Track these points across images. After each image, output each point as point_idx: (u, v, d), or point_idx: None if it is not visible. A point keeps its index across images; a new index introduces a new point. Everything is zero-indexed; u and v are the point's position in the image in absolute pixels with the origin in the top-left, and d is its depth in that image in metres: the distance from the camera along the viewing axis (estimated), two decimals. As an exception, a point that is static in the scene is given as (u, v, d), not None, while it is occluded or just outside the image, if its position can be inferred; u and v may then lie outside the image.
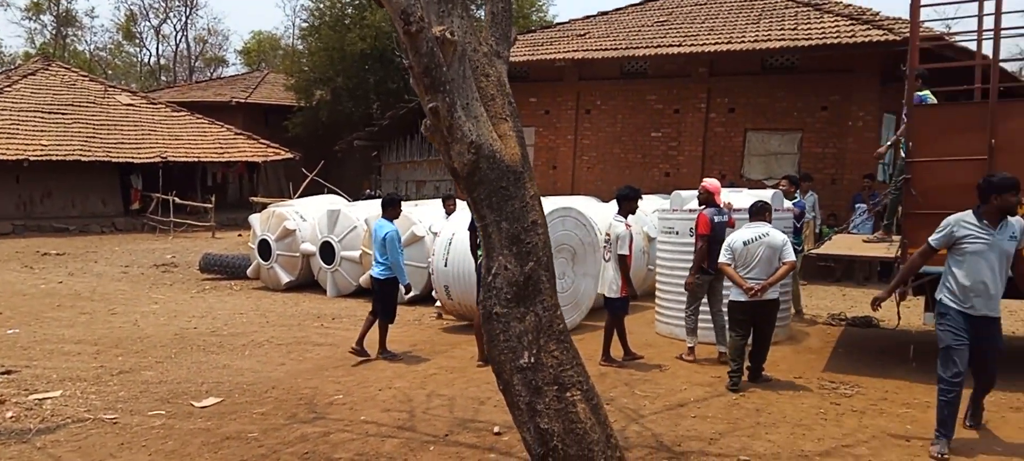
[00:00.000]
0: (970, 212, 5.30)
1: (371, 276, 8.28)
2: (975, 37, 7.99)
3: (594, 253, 9.39)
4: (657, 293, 9.29)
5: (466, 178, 3.88)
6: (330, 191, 20.72)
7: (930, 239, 5.44)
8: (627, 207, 7.71)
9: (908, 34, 7.35)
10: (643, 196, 9.04)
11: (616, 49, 16.74)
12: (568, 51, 17.44)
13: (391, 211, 8.23)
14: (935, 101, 8.13)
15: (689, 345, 7.92)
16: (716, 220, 7.75)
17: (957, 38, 10.27)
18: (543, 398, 3.92)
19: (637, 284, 9.35)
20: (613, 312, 7.72)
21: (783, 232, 8.86)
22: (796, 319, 9.88)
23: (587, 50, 17.18)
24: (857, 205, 13.14)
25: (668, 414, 6.19)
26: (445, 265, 9.39)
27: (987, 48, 7.32)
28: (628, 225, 7.62)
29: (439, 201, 12.72)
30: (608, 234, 7.73)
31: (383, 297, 8.11)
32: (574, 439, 3.93)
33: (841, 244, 9.37)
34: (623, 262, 7.54)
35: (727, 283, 7.31)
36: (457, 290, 9.27)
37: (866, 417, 6.16)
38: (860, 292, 12.75)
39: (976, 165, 6.76)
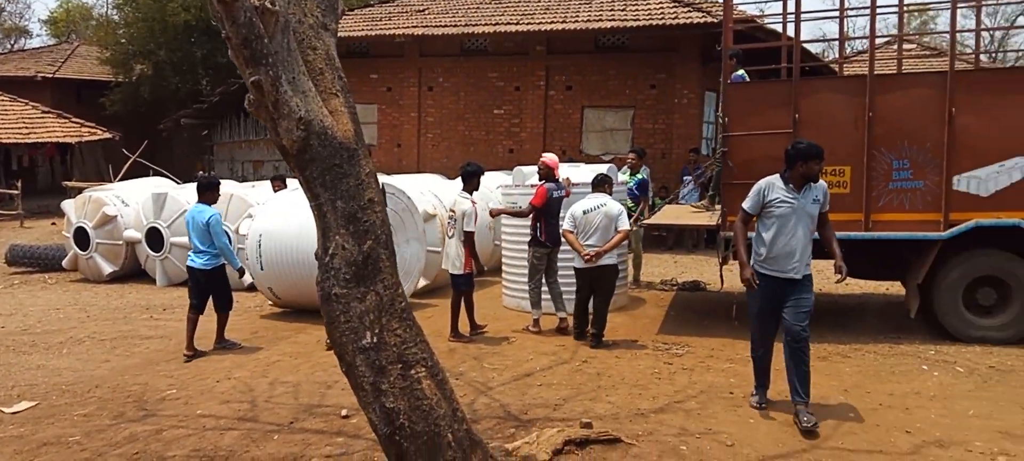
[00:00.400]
0: (777, 176, 5.70)
1: (192, 268, 7.56)
2: (783, 20, 8.70)
3: (411, 217, 9.39)
4: (503, 268, 9.48)
5: (296, 156, 3.75)
6: (156, 173, 19.34)
7: (744, 205, 5.82)
8: (472, 184, 7.79)
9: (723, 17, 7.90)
10: (485, 172, 9.15)
11: (456, 26, 16.76)
12: (408, 27, 17.25)
13: (209, 195, 7.67)
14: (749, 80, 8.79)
15: (533, 317, 8.16)
16: (554, 194, 8.01)
17: (767, 21, 11.13)
18: (387, 377, 3.89)
19: (484, 259, 9.50)
20: (458, 288, 7.80)
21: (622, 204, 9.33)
22: (633, 286, 10.42)
23: (427, 26, 17.07)
24: (685, 177, 14.01)
25: (515, 384, 6.36)
26: (261, 269, 8.97)
27: (793, 31, 7.98)
28: (474, 202, 7.70)
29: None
30: (453, 211, 7.76)
31: (214, 287, 7.58)
32: (420, 416, 3.94)
33: (670, 214, 9.97)
34: (469, 238, 7.62)
35: (568, 251, 7.61)
36: (283, 287, 8.94)
37: (695, 374, 6.64)
38: (689, 258, 13.65)
39: (783, 138, 7.40)
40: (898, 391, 6.15)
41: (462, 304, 7.86)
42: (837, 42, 10.00)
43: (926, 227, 7.30)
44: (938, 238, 7.26)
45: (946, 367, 6.75)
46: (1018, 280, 7.28)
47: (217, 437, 5.24)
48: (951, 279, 7.39)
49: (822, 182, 5.69)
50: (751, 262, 5.65)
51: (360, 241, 3.88)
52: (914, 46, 22.73)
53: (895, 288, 9.85)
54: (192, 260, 7.53)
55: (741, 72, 8.58)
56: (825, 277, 11.33)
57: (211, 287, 7.57)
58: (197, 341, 7.45)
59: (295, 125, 3.66)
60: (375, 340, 3.90)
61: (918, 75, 8.93)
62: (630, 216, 9.91)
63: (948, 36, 7.59)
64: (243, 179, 19.16)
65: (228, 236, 10.52)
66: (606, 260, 7.37)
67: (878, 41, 18.24)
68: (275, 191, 9.87)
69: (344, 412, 5.60)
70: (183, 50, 25.34)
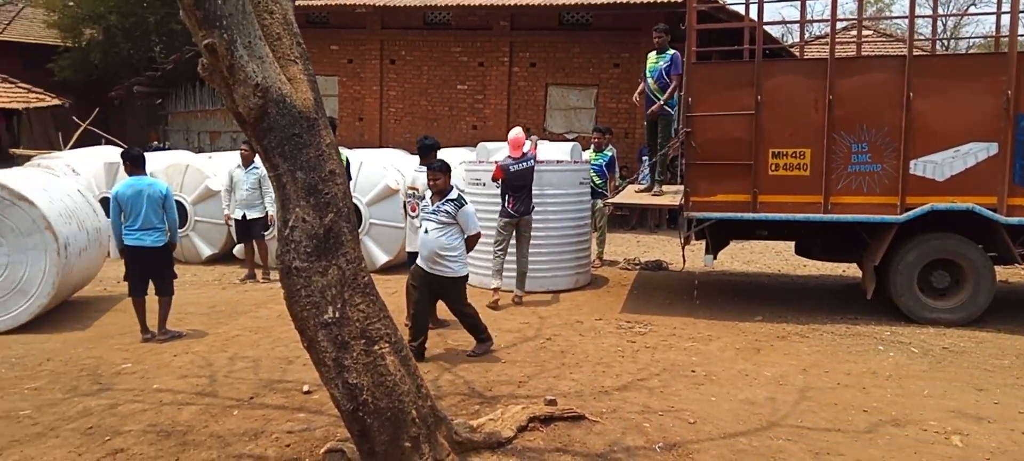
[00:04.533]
0: None
1: (140, 247, 6.86)
2: (745, 1, 8.72)
3: (18, 213, 7.50)
4: (466, 244, 9.42)
5: (253, 124, 3.62)
6: (109, 142, 18.77)
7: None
8: (429, 158, 7.68)
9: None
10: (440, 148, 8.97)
11: (419, -2, 16.52)
12: (371, -2, 16.95)
13: (143, 168, 7.10)
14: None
15: (493, 286, 8.12)
16: (512, 168, 8.00)
17: (729, 2, 11.18)
18: (350, 353, 3.83)
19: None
20: None
21: (585, 183, 9.32)
22: (597, 264, 10.45)
23: (390, -2, 16.80)
24: (643, 157, 14.05)
25: (479, 361, 6.34)
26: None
27: (755, 13, 8.02)
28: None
29: (234, 154, 11.97)
30: (413, 188, 7.61)
31: (160, 268, 6.96)
32: (384, 392, 3.89)
33: (631, 194, 10.01)
34: None
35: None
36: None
37: (657, 352, 6.69)
38: (652, 238, 13.76)
39: (746, 119, 7.47)
40: (855, 371, 6.27)
41: None
42: (797, 26, 10.04)
43: (883, 210, 7.44)
44: (895, 221, 7.41)
45: (901, 347, 6.91)
46: (970, 263, 7.47)
47: (175, 412, 5.12)
48: (907, 262, 7.56)
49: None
50: None
51: (321, 213, 3.79)
52: (870, 32, 23.14)
53: (851, 270, 10.06)
54: (140, 239, 6.84)
55: (673, 51, 8.56)
56: (784, 258, 11.55)
57: (157, 268, 6.97)
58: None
59: (252, 92, 3.54)
60: (337, 315, 3.83)
61: (878, 59, 9.07)
62: (597, 193, 9.97)
63: (904, 22, 7.70)
64: (199, 149, 18.71)
65: (183, 209, 10.32)
66: (442, 270, 6.35)
67: (838, 26, 18.54)
68: (244, 161, 9.56)
69: (306, 388, 5.52)
70: (135, 15, 24.55)
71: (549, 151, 9.05)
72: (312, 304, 3.85)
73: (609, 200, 9.60)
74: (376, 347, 3.94)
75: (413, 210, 7.53)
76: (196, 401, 5.34)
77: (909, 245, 7.53)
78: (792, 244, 9.46)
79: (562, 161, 8.92)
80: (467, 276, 6.59)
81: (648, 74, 8.65)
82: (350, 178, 7.88)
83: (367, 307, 3.96)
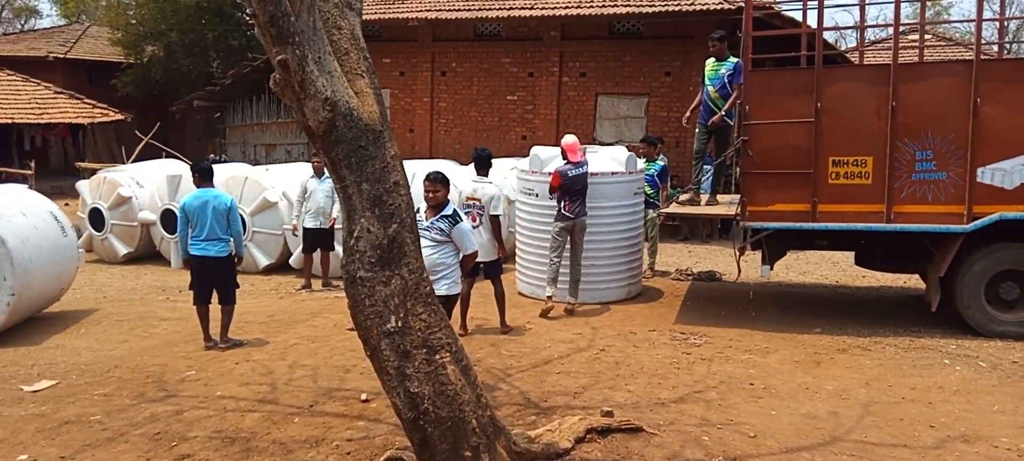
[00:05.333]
0: None
1: (205, 257, 7.05)
2: (801, 7, 8.58)
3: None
4: (518, 254, 9.45)
5: (322, 137, 3.71)
6: (169, 155, 19.35)
7: None
8: (487, 168, 7.75)
9: (742, 2, 7.81)
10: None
11: (469, 10, 16.64)
12: (421, 10, 17.14)
13: (211, 181, 7.27)
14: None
15: (547, 293, 8.09)
16: (570, 173, 8.05)
17: (785, 8, 11.01)
18: (412, 362, 3.87)
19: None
20: (495, 275, 7.66)
21: (639, 193, 9.28)
22: (649, 274, 10.37)
23: (440, 10, 16.96)
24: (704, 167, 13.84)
25: (534, 372, 6.34)
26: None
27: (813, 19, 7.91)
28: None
29: (289, 166, 12.24)
30: (474, 198, 7.62)
31: (223, 278, 7.13)
32: (445, 401, 3.92)
33: (683, 205, 9.88)
34: (496, 222, 7.57)
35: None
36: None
37: (714, 364, 6.59)
38: (704, 248, 13.59)
39: (805, 127, 7.34)
40: (920, 385, 6.10)
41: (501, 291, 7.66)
42: (854, 31, 9.84)
43: (949, 220, 7.23)
44: (962, 231, 7.19)
45: (968, 361, 6.69)
46: (1041, 274, 7.20)
47: (238, 418, 5.24)
48: (974, 273, 7.32)
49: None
50: None
51: (386, 224, 3.84)
52: (930, 36, 22.55)
53: (913, 282, 9.78)
54: (205, 249, 7.03)
55: (737, 59, 8.47)
56: (841, 269, 11.29)
57: (220, 278, 7.14)
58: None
59: (321, 106, 3.62)
60: (400, 324, 3.87)
61: (942, 64, 8.84)
62: (649, 203, 9.89)
63: (961, 26, 7.48)
64: (255, 162, 19.15)
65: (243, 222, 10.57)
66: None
67: (888, 31, 18.12)
68: (316, 171, 9.71)
69: (364, 396, 5.59)
70: (195, 32, 25.30)
71: (604, 161, 9.00)
72: (375, 313, 3.90)
73: (661, 210, 9.51)
74: (437, 356, 3.98)
75: (474, 221, 7.46)
76: (258, 408, 5.46)
77: (976, 256, 7.29)
78: (850, 255, 9.24)
79: (617, 172, 8.87)
80: (457, 297, 6.32)
81: (708, 81, 8.55)
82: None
83: (429, 317, 4.00)
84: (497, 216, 7.56)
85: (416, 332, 3.94)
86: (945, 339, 7.34)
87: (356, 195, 3.86)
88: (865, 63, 10.51)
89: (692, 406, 5.56)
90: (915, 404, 5.67)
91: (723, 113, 8.33)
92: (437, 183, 6.08)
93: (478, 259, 7.45)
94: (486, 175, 7.74)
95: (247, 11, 4.20)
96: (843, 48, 20.80)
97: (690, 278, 10.56)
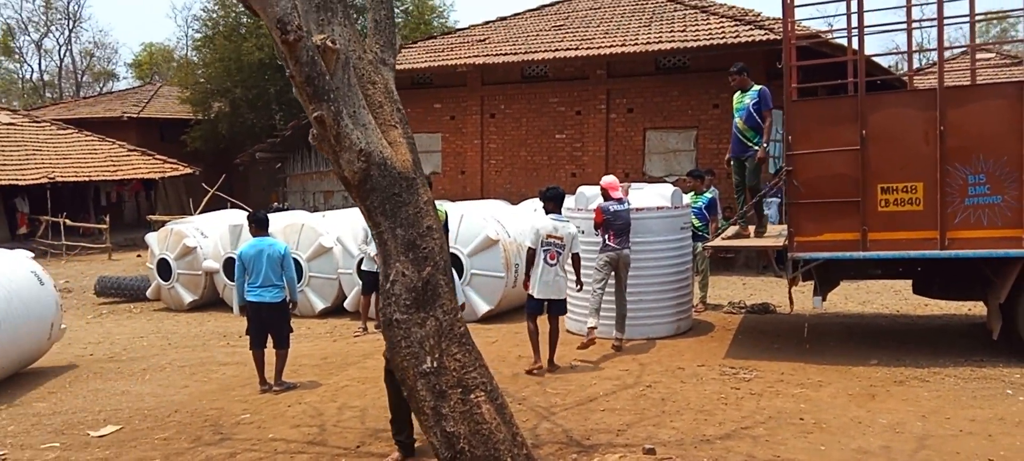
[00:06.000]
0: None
1: (260, 304, 7.33)
2: (846, 34, 8.51)
3: None
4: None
5: (358, 186, 3.89)
6: (234, 206, 20.12)
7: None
8: (561, 205, 7.87)
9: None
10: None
11: (516, 53, 16.95)
12: (470, 56, 17.53)
13: (265, 230, 7.61)
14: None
15: (590, 324, 8.01)
16: (612, 209, 8.13)
17: (830, 34, 10.90)
18: (448, 402, 3.97)
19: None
20: (558, 313, 7.75)
21: (686, 228, 9.26)
22: (701, 308, 10.25)
23: (488, 55, 17.31)
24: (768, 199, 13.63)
25: (578, 409, 6.34)
26: None
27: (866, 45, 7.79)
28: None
29: (346, 212, 12.56)
30: (556, 237, 7.58)
31: (278, 323, 7.39)
32: (480, 440, 3.99)
33: (729, 238, 9.76)
34: (578, 260, 7.79)
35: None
36: None
37: (763, 399, 6.48)
38: (759, 280, 13.36)
39: (850, 155, 7.23)
40: (980, 417, 5.87)
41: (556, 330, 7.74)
42: (908, 55, 9.67)
43: (1006, 244, 6.98)
44: (1020, 256, 6.93)
45: (1033, 391, 6.42)
46: (1108, 298, 6.88)
47: (287, 460, 5.39)
48: (1036, 298, 7.04)
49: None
50: None
51: (420, 267, 3.98)
52: (993, 55, 21.84)
53: (979, 309, 9.42)
54: (260, 295, 7.30)
55: (760, 87, 8.44)
56: (903, 297, 10.95)
57: (275, 323, 7.40)
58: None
59: (356, 157, 3.81)
60: (435, 365, 3.99)
61: (991, 86, 8.60)
62: (698, 236, 9.83)
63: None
64: (314, 208, 19.75)
65: (299, 266, 10.89)
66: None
67: (953, 52, 17.65)
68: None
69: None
70: (258, 87, 26.40)
71: (649, 197, 9.02)
72: (411, 354, 4.03)
73: (708, 243, 9.44)
74: (472, 396, 4.07)
75: (553, 258, 7.53)
76: (307, 450, 5.61)
77: (1038, 280, 7.01)
78: (910, 283, 8.98)
79: (662, 207, 8.87)
80: None
81: (735, 114, 8.58)
82: (448, 231, 8.10)
83: (463, 357, 4.10)
84: (578, 254, 7.73)
85: (451, 372, 4.04)
86: (1009, 368, 7.05)
87: (391, 240, 4.02)
88: (914, 88, 10.26)
89: (738, 442, 5.48)
90: (974, 437, 5.46)
91: (765, 145, 8.31)
92: None
93: (549, 296, 7.60)
94: (559, 212, 7.81)
95: (287, 71, 4.38)
96: (901, 72, 20.31)
97: (743, 311, 10.41)
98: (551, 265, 7.54)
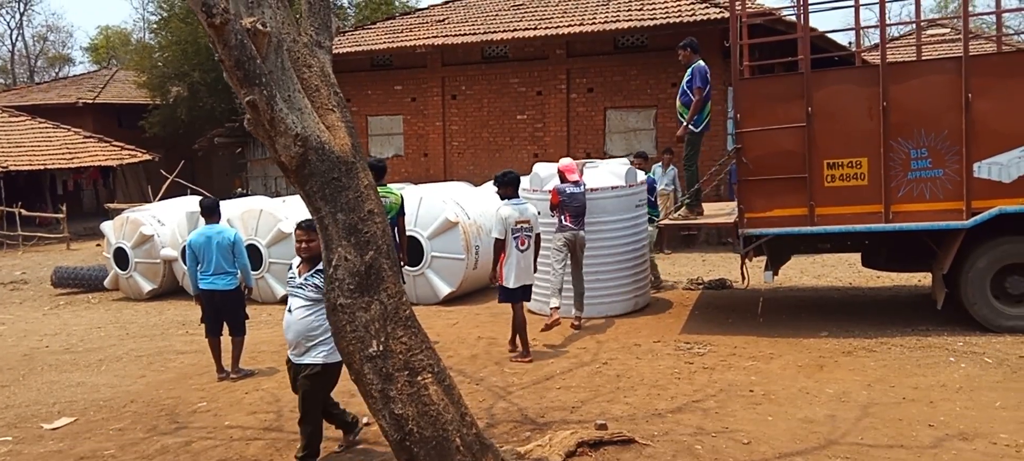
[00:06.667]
0: None
1: (212, 291, 7.27)
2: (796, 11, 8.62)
3: None
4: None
5: (296, 172, 3.89)
6: (193, 192, 19.84)
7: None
8: (517, 189, 7.69)
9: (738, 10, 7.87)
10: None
11: (476, 34, 16.89)
12: (429, 37, 17.43)
13: (216, 217, 7.56)
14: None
15: (552, 305, 8.00)
16: (568, 191, 8.18)
17: (783, 11, 11.04)
18: (395, 384, 4.00)
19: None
20: (524, 299, 7.59)
21: (641, 206, 9.37)
22: (655, 289, 10.37)
23: (448, 36, 17.23)
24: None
25: (534, 388, 6.43)
26: None
27: (815, 21, 7.92)
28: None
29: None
30: (524, 221, 7.44)
31: (232, 310, 7.35)
32: (429, 421, 4.04)
33: (680, 216, 9.87)
34: (537, 240, 7.60)
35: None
36: None
37: (715, 373, 6.63)
38: (718, 256, 13.56)
39: (797, 132, 7.37)
40: (923, 384, 6.08)
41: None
42: (862, 32, 9.83)
43: (949, 216, 7.20)
44: (961, 227, 7.15)
45: (974, 358, 6.64)
46: (1047, 266, 7.13)
47: (243, 447, 5.42)
48: (978, 268, 7.26)
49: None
50: None
51: (362, 252, 4.00)
52: (948, 30, 22.25)
53: (927, 280, 9.68)
54: (213, 283, 7.25)
55: (701, 63, 8.50)
56: (856, 270, 11.20)
57: (229, 310, 7.36)
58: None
59: (292, 142, 3.80)
60: (381, 348, 4.02)
61: (932, 62, 8.80)
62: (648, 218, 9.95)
63: (986, 18, 7.47)
64: (276, 194, 19.54)
65: (258, 253, 10.82)
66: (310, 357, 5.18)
67: (905, 29, 17.94)
68: None
69: (365, 420, 5.73)
70: (216, 70, 25.89)
71: (603, 176, 9.09)
72: (357, 338, 4.05)
73: (659, 222, 9.58)
74: (419, 378, 4.11)
75: (524, 244, 7.39)
76: (263, 436, 5.63)
77: (979, 251, 7.24)
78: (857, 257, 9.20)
79: (617, 186, 8.96)
80: (340, 365, 4.82)
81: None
82: (404, 214, 8.05)
83: (409, 340, 4.14)
84: (540, 234, 7.64)
85: (397, 355, 4.08)
86: (953, 337, 7.28)
87: (332, 225, 4.03)
88: (859, 65, 10.44)
89: (689, 415, 5.61)
90: (916, 404, 5.66)
91: (688, 124, 8.39)
92: (311, 232, 4.81)
93: (523, 283, 7.39)
94: (516, 196, 7.64)
95: (215, 56, 4.21)
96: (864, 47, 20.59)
97: (700, 288, 10.57)
98: (523, 251, 7.38)
